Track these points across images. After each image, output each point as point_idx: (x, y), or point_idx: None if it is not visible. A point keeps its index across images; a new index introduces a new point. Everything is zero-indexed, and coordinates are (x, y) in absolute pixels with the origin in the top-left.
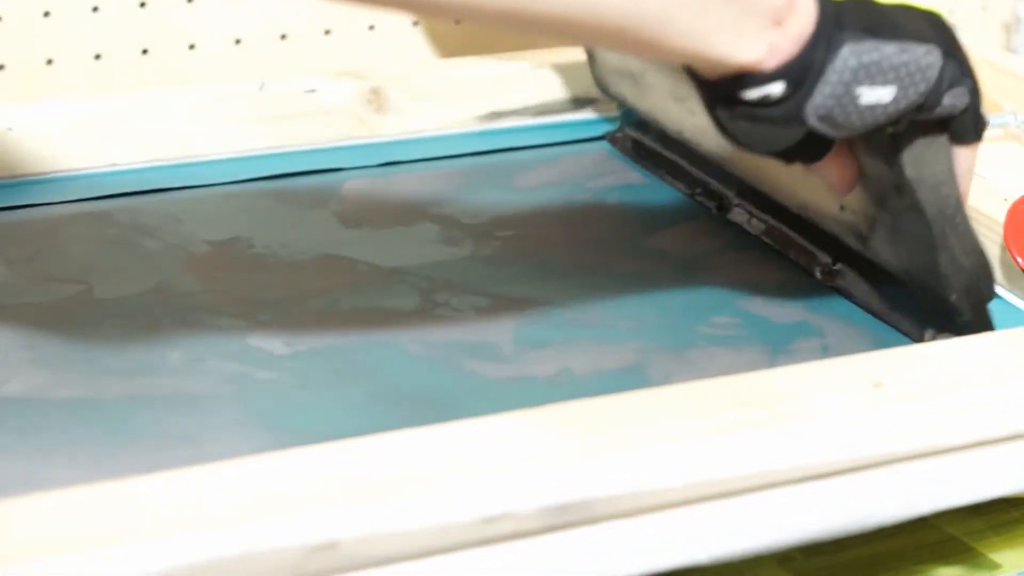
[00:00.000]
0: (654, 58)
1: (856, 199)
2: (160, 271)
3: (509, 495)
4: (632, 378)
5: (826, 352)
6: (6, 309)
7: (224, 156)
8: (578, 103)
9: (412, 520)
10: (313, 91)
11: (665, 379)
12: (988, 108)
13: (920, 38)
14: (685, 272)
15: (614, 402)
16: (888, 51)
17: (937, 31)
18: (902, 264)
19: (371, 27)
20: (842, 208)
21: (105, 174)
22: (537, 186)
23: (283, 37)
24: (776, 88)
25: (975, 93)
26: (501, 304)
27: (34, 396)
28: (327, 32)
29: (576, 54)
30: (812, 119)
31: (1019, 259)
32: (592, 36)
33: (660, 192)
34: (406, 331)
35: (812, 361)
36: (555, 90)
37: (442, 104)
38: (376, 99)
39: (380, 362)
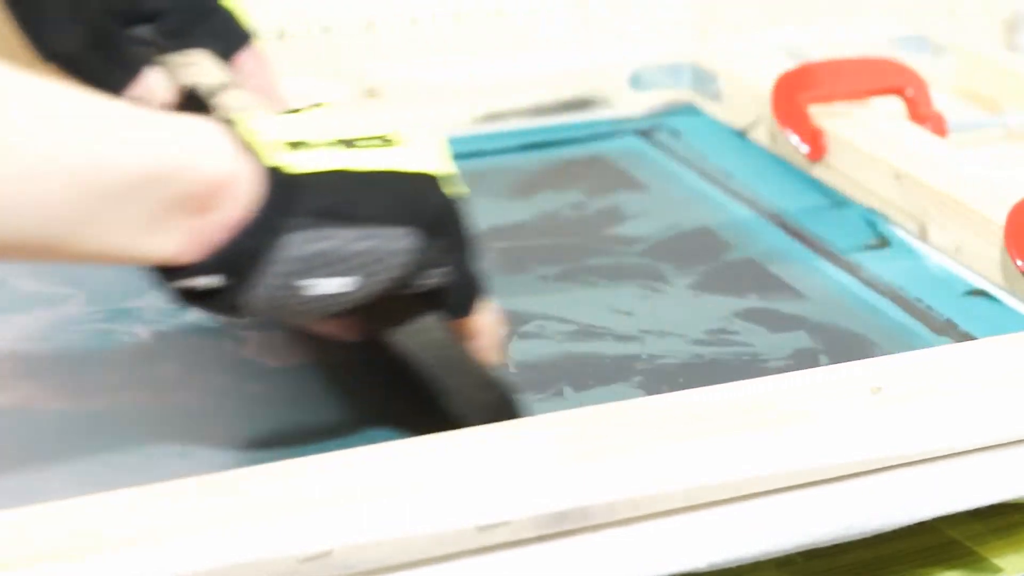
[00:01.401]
0: (67, 261)
1: None
2: (151, 280)
3: (505, 503)
4: (629, 389)
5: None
6: None
7: None
8: (576, 105)
9: (406, 528)
10: (310, 90)
11: (662, 389)
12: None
13: (396, 219)
14: (682, 284)
15: (610, 410)
16: (348, 236)
17: (426, 205)
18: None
19: (369, 25)
20: None
21: None
22: (534, 192)
23: (280, 36)
24: (212, 280)
25: (462, 271)
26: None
27: (24, 408)
28: (325, 30)
29: (574, 55)
30: (259, 310)
31: (1019, 262)
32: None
33: (659, 201)
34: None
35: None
36: (553, 92)
37: (439, 105)
38: (373, 99)
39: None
